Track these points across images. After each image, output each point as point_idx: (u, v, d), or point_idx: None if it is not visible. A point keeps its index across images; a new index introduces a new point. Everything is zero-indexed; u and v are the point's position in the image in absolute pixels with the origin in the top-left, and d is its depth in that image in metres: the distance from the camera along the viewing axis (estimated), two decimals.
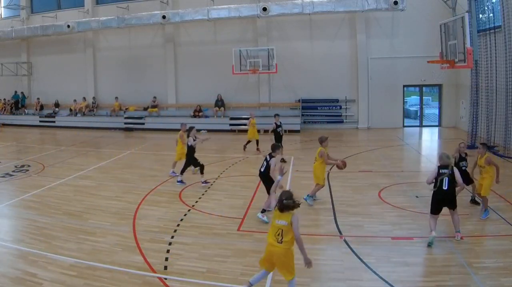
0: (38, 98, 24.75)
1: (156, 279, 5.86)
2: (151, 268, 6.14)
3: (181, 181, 10.74)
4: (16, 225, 8.19)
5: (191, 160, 10.71)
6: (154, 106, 22.26)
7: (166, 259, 6.45)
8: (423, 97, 21.28)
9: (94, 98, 23.74)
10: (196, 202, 9.34)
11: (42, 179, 11.62)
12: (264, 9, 19.07)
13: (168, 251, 6.75)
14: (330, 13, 19.19)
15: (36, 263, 6.29)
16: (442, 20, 15.13)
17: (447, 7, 17.12)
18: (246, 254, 6.49)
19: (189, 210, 8.77)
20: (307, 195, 8.97)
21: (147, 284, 5.74)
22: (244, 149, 14.82)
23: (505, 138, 13.46)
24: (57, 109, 24.19)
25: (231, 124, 20.40)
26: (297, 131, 19.36)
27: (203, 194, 9.93)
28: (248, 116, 20.17)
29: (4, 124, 24.09)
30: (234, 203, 9.15)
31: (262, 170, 8.32)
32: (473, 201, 8.49)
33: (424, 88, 21.23)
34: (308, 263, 4.98)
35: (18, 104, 25.19)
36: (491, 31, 14.11)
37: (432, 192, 6.85)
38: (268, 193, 8.22)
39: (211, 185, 10.46)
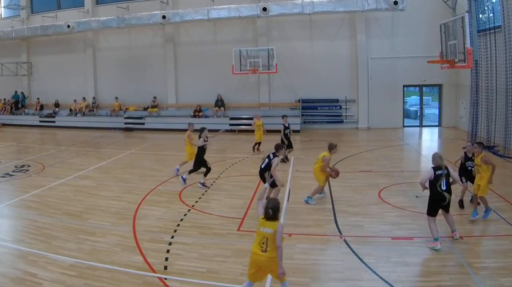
0: (38, 98, 24.75)
1: (156, 279, 5.86)
2: (151, 268, 6.14)
3: (184, 179, 10.65)
4: (16, 225, 8.19)
5: (200, 161, 10.58)
6: (154, 106, 22.26)
7: (166, 259, 6.46)
8: (423, 97, 21.29)
9: (94, 98, 23.73)
10: (196, 202, 9.34)
11: (42, 179, 11.62)
12: (264, 9, 19.07)
13: (168, 251, 6.75)
14: (330, 13, 19.19)
15: (36, 263, 6.30)
16: (442, 20, 15.12)
17: (447, 7, 17.13)
18: (246, 254, 6.45)
19: (189, 210, 8.77)
20: (308, 197, 9.01)
21: (147, 284, 5.74)
22: (254, 150, 14.67)
23: (505, 138, 13.45)
24: (57, 109, 24.19)
25: (231, 124, 20.39)
26: (297, 131, 19.35)
27: (203, 194, 9.93)
28: (248, 116, 20.44)
29: (4, 124, 24.09)
30: (234, 203, 9.15)
31: (262, 167, 8.44)
32: (472, 202, 8.45)
33: (424, 88, 21.23)
34: (282, 274, 4.90)
35: (18, 104, 25.19)
36: (491, 31, 14.10)
37: (430, 193, 6.76)
38: (272, 188, 8.46)
39: (208, 188, 10.41)
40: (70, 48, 24.18)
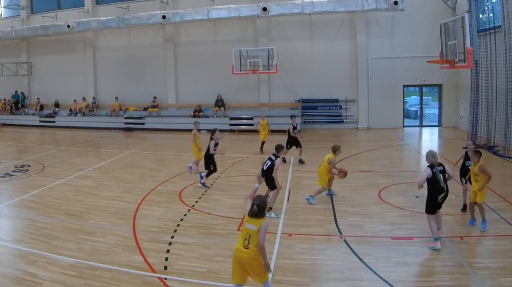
0: (38, 98, 24.75)
1: (156, 279, 5.86)
2: (151, 268, 6.14)
3: (203, 184, 10.43)
4: (16, 225, 8.20)
5: (210, 161, 10.45)
6: (154, 106, 22.25)
7: (166, 259, 6.46)
8: (423, 97, 21.28)
9: (94, 98, 23.73)
10: (196, 202, 9.34)
11: (42, 179, 11.62)
12: (264, 9, 19.07)
13: (168, 251, 6.75)
14: (330, 13, 19.19)
15: (36, 263, 6.30)
16: (442, 20, 15.12)
17: (447, 7, 17.13)
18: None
19: (189, 210, 8.77)
20: (310, 195, 9.04)
21: (147, 284, 5.74)
22: (261, 151, 14.56)
23: (505, 138, 13.45)
24: (57, 109, 24.19)
25: (231, 124, 20.39)
26: (297, 131, 19.32)
27: (203, 194, 9.94)
28: (248, 116, 20.44)
29: (4, 124, 24.10)
30: (234, 203, 9.14)
31: (265, 168, 8.44)
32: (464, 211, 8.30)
33: (424, 88, 21.23)
34: (267, 268, 4.88)
35: (18, 104, 25.19)
36: (491, 31, 14.10)
37: (429, 191, 6.73)
38: (271, 189, 8.51)
39: (208, 188, 10.38)
40: (70, 48, 24.18)
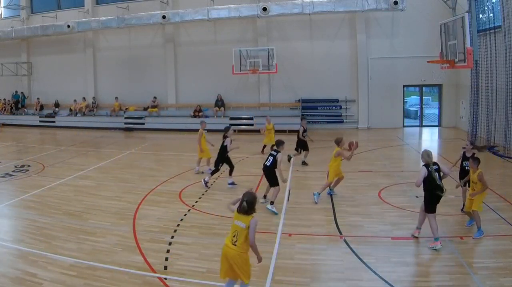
0: (38, 98, 24.75)
1: (156, 279, 5.86)
2: (151, 268, 6.14)
3: (232, 183, 10.41)
4: (16, 225, 8.19)
5: (223, 158, 10.42)
6: (154, 106, 22.25)
7: (166, 259, 6.46)
8: (423, 97, 21.29)
9: (94, 98, 23.73)
10: (196, 202, 9.34)
11: (42, 179, 11.62)
12: (264, 9, 19.08)
13: (168, 251, 6.75)
14: (330, 13, 19.20)
15: (36, 263, 6.30)
16: (442, 20, 15.12)
17: (447, 7, 17.13)
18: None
19: (189, 210, 8.77)
20: (318, 193, 9.17)
21: (147, 284, 5.74)
22: (262, 152, 14.56)
23: (505, 138, 13.46)
24: (57, 109, 24.19)
25: (231, 125, 20.29)
26: (297, 131, 19.30)
27: (203, 194, 9.94)
28: (248, 116, 20.44)
29: (4, 124, 24.10)
30: None
31: (267, 164, 8.66)
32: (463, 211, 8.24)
33: (424, 88, 21.23)
34: (259, 260, 4.93)
35: (18, 104, 25.20)
36: (491, 31, 14.11)
37: (427, 190, 6.73)
38: (271, 186, 8.71)
39: (209, 188, 10.37)
40: (70, 48, 24.18)
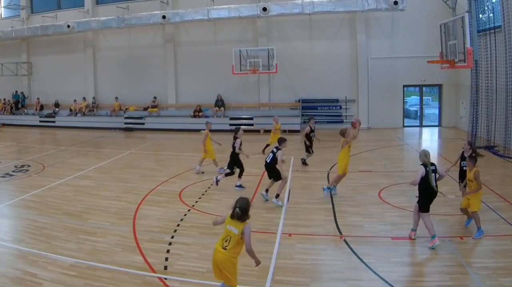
0: (38, 98, 24.75)
1: (156, 279, 5.86)
2: (151, 268, 6.14)
3: (240, 186, 10.30)
4: (16, 225, 8.19)
5: (236, 161, 10.33)
6: (154, 106, 22.26)
7: (166, 259, 6.45)
8: (423, 97, 21.29)
9: (94, 98, 23.73)
10: (196, 202, 9.34)
11: (42, 179, 11.62)
12: (264, 9, 19.07)
13: (168, 251, 6.75)
14: (330, 13, 19.20)
15: (36, 263, 6.29)
16: (442, 20, 15.13)
17: (447, 7, 17.12)
18: (246, 254, 6.43)
19: (189, 210, 8.77)
20: (327, 187, 9.45)
21: (147, 284, 5.74)
22: (263, 152, 14.33)
23: (505, 138, 13.45)
24: (57, 109, 24.19)
25: (231, 125, 20.35)
26: (297, 131, 19.35)
27: (203, 194, 9.94)
28: (248, 116, 20.44)
29: (4, 124, 24.10)
30: None
31: (268, 161, 8.96)
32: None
33: (424, 88, 21.23)
34: (257, 263, 4.90)
35: (18, 104, 25.20)
36: (491, 31, 14.10)
37: (422, 190, 6.77)
38: (276, 180, 9.02)
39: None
40: (70, 48, 24.18)
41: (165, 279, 5.83)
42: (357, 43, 19.99)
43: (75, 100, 23.55)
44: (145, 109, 22.35)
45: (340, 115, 20.42)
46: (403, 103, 21.00)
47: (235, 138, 10.45)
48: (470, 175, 7.13)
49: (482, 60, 14.69)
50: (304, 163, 12.80)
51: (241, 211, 4.67)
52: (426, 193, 6.72)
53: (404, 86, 20.26)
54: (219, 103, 21.17)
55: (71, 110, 23.64)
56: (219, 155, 12.11)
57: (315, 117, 20.43)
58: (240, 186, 10.32)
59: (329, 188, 9.45)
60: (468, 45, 12.90)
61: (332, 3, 18.59)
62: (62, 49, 24.30)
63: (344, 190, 9.85)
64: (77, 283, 5.71)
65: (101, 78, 24.01)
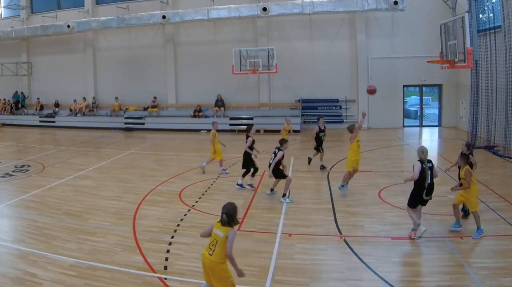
0: (38, 98, 24.75)
1: (156, 279, 5.86)
2: (151, 268, 6.14)
3: (241, 185, 10.23)
4: (16, 225, 8.19)
5: (248, 162, 10.27)
6: (154, 106, 22.26)
7: (166, 259, 6.45)
8: (423, 97, 21.29)
9: (94, 98, 23.73)
10: (196, 202, 9.35)
11: (42, 179, 11.61)
12: (264, 9, 19.08)
13: (168, 251, 6.75)
14: (330, 13, 19.20)
15: (36, 263, 6.29)
16: (442, 20, 15.13)
17: (447, 7, 17.13)
18: (246, 254, 6.48)
19: (189, 210, 8.77)
20: (341, 185, 9.63)
21: (147, 284, 5.74)
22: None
23: (505, 138, 13.46)
24: (57, 109, 24.19)
25: (231, 125, 20.39)
26: (297, 131, 19.34)
27: (203, 194, 9.94)
28: (248, 116, 20.42)
29: (4, 124, 24.10)
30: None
31: (271, 162, 9.10)
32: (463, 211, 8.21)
33: (424, 88, 21.24)
34: (240, 274, 4.71)
35: (18, 104, 25.20)
36: (491, 31, 14.10)
37: (415, 186, 6.86)
38: (279, 179, 9.28)
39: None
40: (70, 48, 24.18)
41: (165, 279, 5.83)
42: (357, 43, 19.99)
43: (75, 100, 23.55)
44: (145, 109, 22.35)
45: (340, 115, 20.41)
46: (403, 103, 21.01)
47: (247, 137, 10.47)
48: (462, 173, 7.24)
49: (482, 60, 14.69)
50: (309, 162, 12.68)
51: (228, 217, 4.67)
52: (419, 190, 6.82)
53: (404, 86, 20.27)
54: (219, 103, 21.17)
55: (71, 110, 23.64)
56: (225, 155, 12.16)
57: (315, 118, 20.53)
58: (241, 185, 10.28)
59: (342, 186, 9.65)
60: (468, 45, 12.91)
61: (332, 3, 18.59)
62: (62, 49, 24.30)
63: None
64: (77, 283, 5.71)
65: (101, 78, 24.01)
